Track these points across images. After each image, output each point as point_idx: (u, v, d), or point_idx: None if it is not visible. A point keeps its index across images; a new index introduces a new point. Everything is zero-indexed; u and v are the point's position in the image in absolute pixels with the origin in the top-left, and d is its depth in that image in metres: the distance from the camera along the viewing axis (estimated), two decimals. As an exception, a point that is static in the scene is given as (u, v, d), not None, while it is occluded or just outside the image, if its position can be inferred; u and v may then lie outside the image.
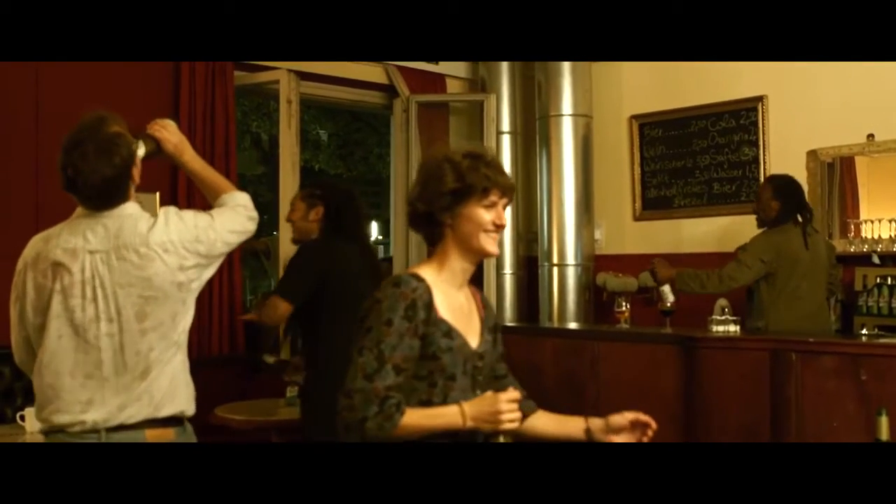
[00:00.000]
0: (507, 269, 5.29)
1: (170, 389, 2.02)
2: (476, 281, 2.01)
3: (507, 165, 4.62)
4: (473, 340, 1.88)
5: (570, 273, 5.01)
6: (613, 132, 5.29)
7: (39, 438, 2.08)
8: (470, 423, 1.75)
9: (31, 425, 3.01)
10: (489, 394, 1.79)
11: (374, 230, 12.49)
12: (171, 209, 2.09)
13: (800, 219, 3.83)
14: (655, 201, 5.16)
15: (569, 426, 2.00)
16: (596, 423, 1.96)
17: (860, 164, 4.39)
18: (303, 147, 6.71)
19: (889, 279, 4.07)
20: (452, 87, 5.47)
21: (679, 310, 4.05)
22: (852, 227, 4.36)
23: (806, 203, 3.93)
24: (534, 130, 5.21)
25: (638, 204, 5.23)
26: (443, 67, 5.38)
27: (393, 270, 5.30)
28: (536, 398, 2.06)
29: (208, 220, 2.11)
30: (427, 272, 1.84)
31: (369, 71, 5.14)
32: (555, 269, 5.03)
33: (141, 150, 2.12)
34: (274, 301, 3.04)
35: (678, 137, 5.04)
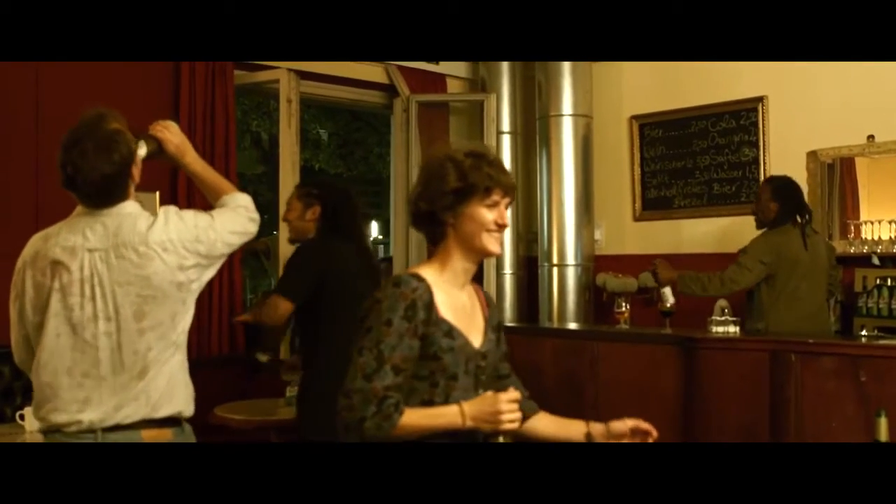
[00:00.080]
0: (507, 269, 5.29)
1: (167, 389, 2.02)
2: (476, 281, 2.01)
3: (507, 165, 4.60)
4: (476, 340, 1.88)
5: (570, 273, 5.01)
6: (613, 132, 5.29)
7: (39, 438, 2.08)
8: (470, 423, 1.75)
9: (30, 424, 3.01)
10: (489, 394, 1.79)
11: (374, 230, 12.49)
12: (172, 208, 2.08)
13: (799, 220, 3.83)
14: (655, 202, 5.16)
15: (570, 429, 2.00)
16: (597, 427, 1.97)
17: (860, 165, 4.39)
18: (303, 146, 6.71)
19: (889, 280, 4.08)
20: (453, 86, 5.47)
21: (679, 310, 4.05)
22: (852, 228, 4.36)
23: (805, 204, 3.93)
24: (534, 130, 5.21)
25: (638, 204, 5.23)
26: (443, 67, 5.38)
27: (393, 270, 5.30)
28: (536, 398, 2.06)
29: (208, 221, 2.10)
30: (428, 272, 1.84)
31: (369, 70, 5.14)
32: (555, 270, 5.04)
33: (142, 150, 2.12)
34: (274, 300, 3.04)
35: (678, 138, 5.04)
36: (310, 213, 3.17)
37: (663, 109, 5.08)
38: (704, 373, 3.41)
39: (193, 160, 2.27)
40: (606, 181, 5.23)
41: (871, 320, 4.03)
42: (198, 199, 3.71)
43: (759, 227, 3.94)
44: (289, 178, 4.57)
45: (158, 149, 2.20)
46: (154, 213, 2.05)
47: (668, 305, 4.00)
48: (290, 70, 4.61)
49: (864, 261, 4.25)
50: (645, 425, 1.94)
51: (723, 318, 3.59)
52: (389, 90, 5.28)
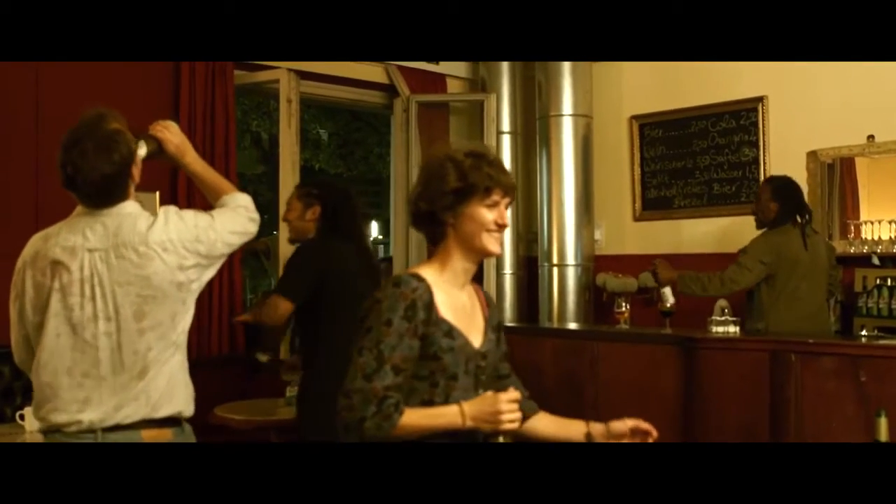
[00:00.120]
0: (507, 269, 5.29)
1: (167, 390, 2.01)
2: (476, 281, 2.01)
3: (507, 165, 4.60)
4: (476, 340, 1.88)
5: (570, 273, 5.01)
6: (613, 132, 5.29)
7: (39, 437, 2.08)
8: (469, 423, 1.75)
9: (30, 424, 3.01)
10: (489, 393, 1.78)
11: (375, 230, 12.50)
12: (172, 208, 2.08)
13: (799, 220, 3.83)
14: (655, 202, 5.16)
15: (570, 430, 2.00)
16: (597, 428, 1.97)
17: (860, 165, 4.39)
18: (303, 146, 6.71)
19: (889, 280, 4.07)
20: (453, 86, 5.47)
21: (679, 310, 4.05)
22: (852, 228, 4.36)
23: (805, 204, 3.93)
24: (534, 130, 5.21)
25: (638, 204, 5.23)
26: (443, 67, 5.38)
27: (393, 270, 5.30)
28: (536, 398, 2.06)
29: (209, 221, 2.10)
30: (428, 272, 1.84)
31: (369, 70, 5.14)
32: (555, 270, 5.04)
33: (142, 150, 2.12)
34: (275, 300, 3.03)
35: (678, 138, 5.04)
36: (310, 213, 3.17)
37: (663, 109, 5.08)
38: (704, 373, 3.41)
39: (193, 160, 2.27)
40: (606, 181, 5.23)
41: (871, 320, 4.03)
42: (198, 199, 3.71)
43: (759, 227, 3.94)
44: (289, 178, 4.57)
45: (158, 149, 2.20)
46: (154, 213, 2.04)
47: (668, 305, 4.00)
48: (290, 70, 4.61)
49: (864, 261, 4.25)
50: (645, 425, 1.94)
51: (723, 318, 3.59)
52: (389, 90, 5.28)
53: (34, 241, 2.06)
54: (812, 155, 4.45)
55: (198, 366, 2.23)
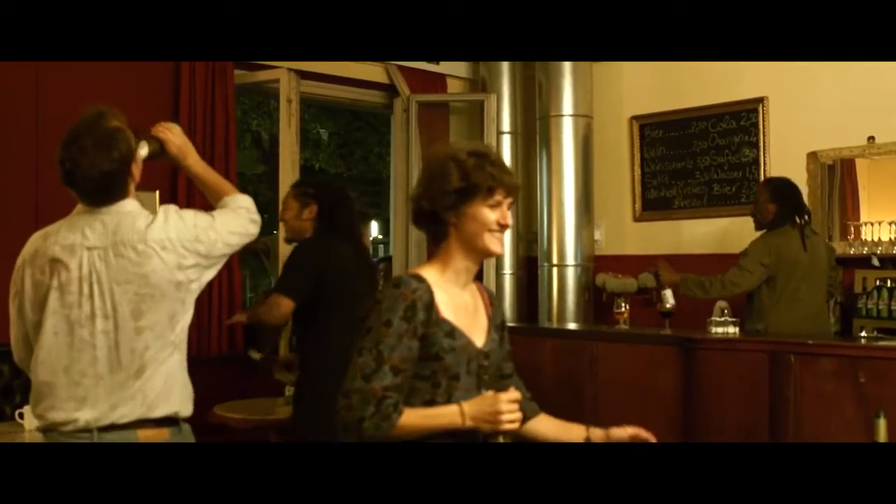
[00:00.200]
0: (507, 270, 5.29)
1: (164, 389, 2.01)
2: (476, 281, 2.01)
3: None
4: (479, 339, 1.88)
5: (570, 273, 5.01)
6: (614, 133, 5.29)
7: (38, 436, 2.08)
8: (469, 423, 1.75)
9: (29, 423, 3.01)
10: (489, 393, 1.78)
11: (375, 229, 12.49)
12: (172, 207, 2.08)
13: (798, 221, 3.83)
14: (655, 202, 5.16)
15: (569, 433, 2.00)
16: (597, 433, 1.97)
17: (860, 166, 4.39)
18: (303, 146, 6.71)
19: (889, 282, 4.07)
20: (453, 86, 5.47)
21: (678, 311, 4.05)
22: (852, 229, 4.36)
23: (804, 205, 3.93)
24: (534, 130, 5.21)
25: (638, 205, 5.23)
26: (443, 67, 5.38)
27: (392, 270, 5.31)
28: (535, 398, 2.06)
29: (209, 221, 2.10)
30: (430, 272, 1.83)
31: (370, 70, 5.14)
32: (554, 270, 5.04)
33: (144, 150, 2.12)
34: (276, 299, 3.02)
35: (678, 138, 5.04)
36: (306, 212, 3.17)
37: (664, 110, 5.08)
38: (704, 373, 3.41)
39: (195, 162, 2.27)
40: (606, 181, 5.23)
41: (870, 321, 4.03)
42: (197, 198, 3.71)
43: (758, 228, 3.94)
44: (289, 178, 4.57)
45: (160, 149, 2.20)
46: (154, 212, 2.04)
47: (668, 306, 4.00)
48: (290, 70, 4.61)
49: (863, 262, 4.25)
50: (645, 434, 1.94)
51: (722, 319, 3.59)
52: (390, 90, 5.28)
53: (34, 240, 2.06)
54: (812, 156, 4.45)
55: (197, 365, 2.23)
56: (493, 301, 2.00)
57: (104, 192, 1.99)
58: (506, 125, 5.32)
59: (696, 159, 4.98)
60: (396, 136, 5.42)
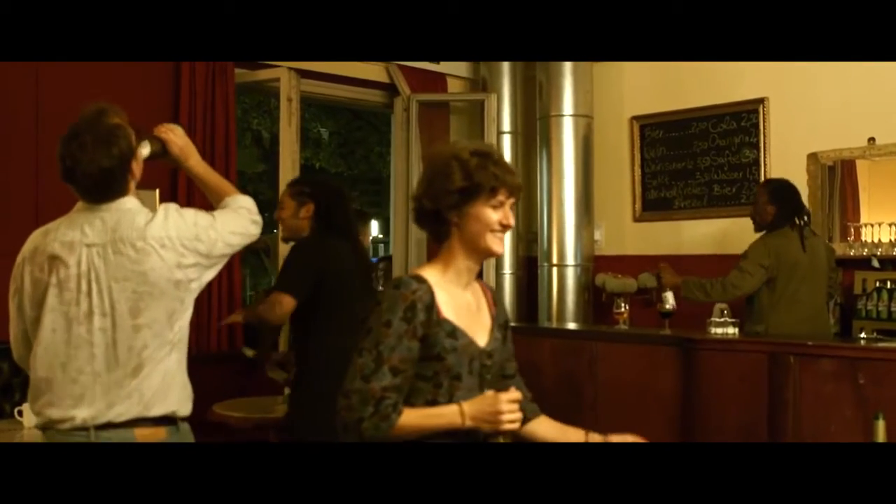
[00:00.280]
0: (507, 269, 5.29)
1: (161, 389, 2.00)
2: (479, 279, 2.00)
3: (507, 165, 4.61)
4: (482, 339, 1.87)
5: (570, 273, 5.01)
6: (614, 133, 5.29)
7: (37, 433, 2.08)
8: (469, 423, 1.75)
9: (28, 420, 3.01)
10: (490, 393, 1.78)
11: (375, 228, 12.49)
12: (172, 206, 2.07)
13: (797, 222, 3.83)
14: (655, 202, 5.16)
15: (568, 437, 1.99)
16: (595, 438, 1.96)
17: (861, 167, 4.40)
18: (303, 145, 6.71)
19: (888, 283, 4.08)
20: (453, 86, 5.47)
21: (678, 311, 4.05)
22: (852, 230, 4.36)
23: (803, 206, 3.93)
24: (534, 130, 5.21)
25: (638, 205, 5.23)
26: (444, 67, 5.37)
27: (393, 269, 5.31)
28: (534, 398, 2.06)
29: (209, 220, 2.10)
30: (431, 273, 1.83)
31: (370, 69, 5.14)
32: (554, 270, 5.04)
33: (146, 150, 2.12)
34: (277, 297, 3.00)
35: (679, 139, 5.04)
36: (303, 210, 3.15)
37: (664, 110, 5.08)
38: (703, 374, 3.41)
39: (197, 163, 2.27)
40: (607, 182, 5.23)
41: (870, 323, 4.03)
42: (197, 197, 3.71)
43: (757, 230, 3.94)
44: (289, 177, 4.56)
45: (162, 150, 2.20)
46: (154, 211, 2.04)
47: (668, 307, 4.00)
48: (290, 69, 4.61)
49: (863, 263, 4.25)
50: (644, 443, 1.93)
51: (722, 320, 3.59)
52: (390, 89, 5.28)
53: (34, 237, 2.06)
54: (813, 157, 4.45)
55: (197, 363, 2.23)
56: (496, 300, 1.99)
57: (103, 188, 1.99)
58: (506, 125, 5.32)
59: (696, 160, 4.98)
60: (397, 135, 5.42)
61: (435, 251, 1.90)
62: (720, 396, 3.35)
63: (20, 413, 3.14)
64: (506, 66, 5.32)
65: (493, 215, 1.82)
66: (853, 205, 4.43)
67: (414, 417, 1.74)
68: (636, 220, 5.24)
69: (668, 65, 4.92)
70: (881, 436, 2.27)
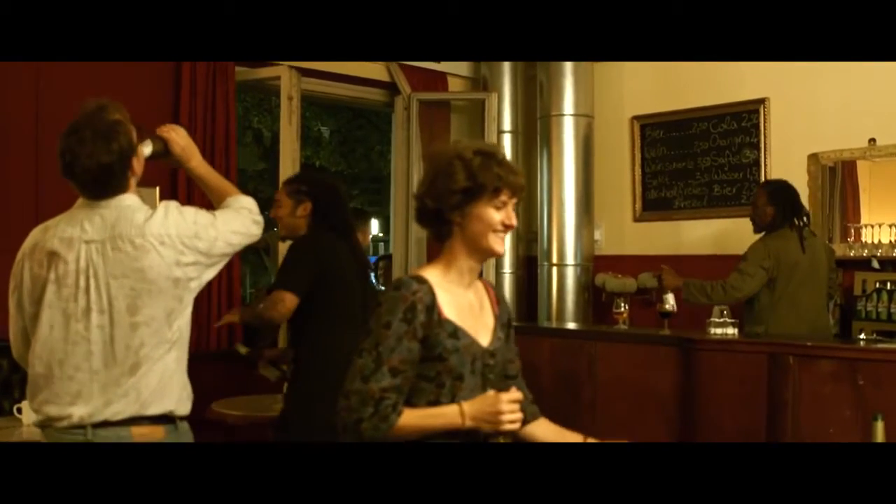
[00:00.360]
0: (507, 269, 5.29)
1: (159, 388, 1.99)
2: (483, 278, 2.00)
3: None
4: (484, 338, 1.86)
5: (570, 273, 5.01)
6: (614, 133, 5.28)
7: (36, 431, 2.08)
8: (469, 423, 1.75)
9: (28, 418, 3.02)
10: (491, 393, 1.78)
11: (375, 227, 12.49)
12: (172, 203, 2.07)
13: (796, 223, 3.83)
14: (656, 202, 5.16)
15: (566, 440, 1.99)
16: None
17: (861, 168, 4.40)
18: (304, 143, 6.69)
19: (888, 284, 4.08)
20: (454, 85, 5.47)
21: (677, 311, 4.05)
22: (853, 231, 4.36)
23: (801, 207, 3.93)
24: (535, 130, 5.21)
25: (638, 205, 5.23)
26: (445, 66, 5.37)
27: (392, 267, 5.31)
28: (533, 397, 2.06)
29: (210, 219, 2.09)
30: (432, 273, 1.82)
31: (371, 68, 5.14)
32: (554, 269, 5.04)
33: (148, 149, 2.12)
34: (279, 295, 2.98)
35: (679, 139, 5.04)
36: (300, 209, 3.13)
37: (665, 110, 5.07)
38: (702, 374, 3.41)
39: (199, 164, 2.27)
40: (607, 181, 5.23)
41: (869, 324, 4.03)
42: (197, 195, 3.71)
43: (756, 231, 3.94)
44: (289, 176, 4.56)
45: (164, 149, 2.20)
46: (154, 208, 2.04)
47: (668, 307, 4.00)
48: (291, 67, 4.60)
49: (863, 264, 4.25)
50: None
51: (721, 320, 3.59)
52: (391, 88, 5.27)
53: (34, 233, 2.06)
54: (813, 158, 4.44)
55: (196, 361, 2.22)
56: (499, 298, 1.98)
57: (103, 184, 1.98)
58: (506, 124, 5.32)
59: (696, 160, 4.97)
60: (397, 134, 5.41)
61: (435, 250, 1.90)
62: (719, 397, 3.35)
63: (19, 410, 3.14)
64: (506, 66, 5.32)
65: (495, 216, 1.82)
66: (853, 206, 4.43)
67: (414, 418, 1.74)
68: (636, 219, 5.23)
69: (669, 65, 4.92)
70: (880, 437, 2.27)
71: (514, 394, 1.77)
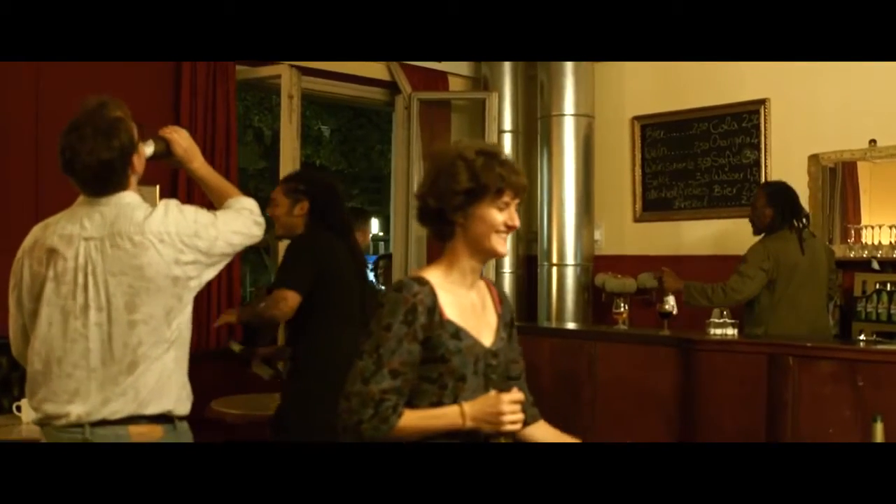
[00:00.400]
0: (507, 269, 5.29)
1: (157, 387, 1.98)
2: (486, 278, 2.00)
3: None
4: (487, 339, 1.86)
5: (570, 273, 5.01)
6: (615, 133, 5.28)
7: (35, 429, 2.08)
8: (470, 424, 1.74)
9: (27, 415, 3.02)
10: (492, 393, 1.78)
11: (375, 226, 12.50)
12: (173, 202, 2.06)
13: (796, 224, 3.83)
14: (656, 203, 5.16)
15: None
16: None
17: (862, 169, 4.39)
18: (304, 142, 6.69)
19: (888, 285, 4.07)
20: (455, 84, 5.47)
21: (677, 312, 4.05)
22: (853, 232, 4.36)
23: (801, 208, 3.92)
24: (535, 130, 5.21)
25: (638, 205, 5.22)
26: (445, 65, 5.37)
27: (392, 267, 5.31)
28: (533, 398, 2.06)
29: (210, 218, 2.09)
30: (434, 274, 1.82)
31: (372, 67, 5.14)
32: (554, 269, 5.04)
33: (150, 149, 2.12)
34: (281, 294, 2.96)
35: (680, 139, 5.04)
36: (298, 208, 3.12)
37: (665, 111, 5.07)
38: (702, 375, 3.41)
39: (200, 165, 2.27)
40: (607, 181, 5.23)
41: (869, 325, 4.03)
42: (197, 194, 3.70)
43: (756, 232, 3.94)
44: (286, 174, 4.56)
45: (166, 150, 2.20)
46: (154, 206, 2.03)
47: (668, 307, 4.00)
48: (291, 66, 4.60)
49: (864, 265, 4.25)
50: None
51: (721, 321, 3.59)
52: (391, 87, 5.27)
53: (34, 231, 2.06)
54: (814, 158, 4.44)
55: (196, 359, 2.22)
56: (502, 298, 1.97)
57: (103, 180, 1.98)
58: (507, 124, 5.32)
59: (697, 160, 4.97)
60: (397, 133, 5.41)
61: (436, 249, 1.89)
62: (719, 397, 3.35)
63: (19, 408, 3.14)
64: (507, 65, 5.32)
65: (498, 216, 1.81)
66: (854, 207, 4.43)
67: (414, 419, 1.74)
68: (636, 220, 5.23)
69: (670, 65, 4.92)
70: (879, 438, 2.27)
71: (516, 394, 1.76)
